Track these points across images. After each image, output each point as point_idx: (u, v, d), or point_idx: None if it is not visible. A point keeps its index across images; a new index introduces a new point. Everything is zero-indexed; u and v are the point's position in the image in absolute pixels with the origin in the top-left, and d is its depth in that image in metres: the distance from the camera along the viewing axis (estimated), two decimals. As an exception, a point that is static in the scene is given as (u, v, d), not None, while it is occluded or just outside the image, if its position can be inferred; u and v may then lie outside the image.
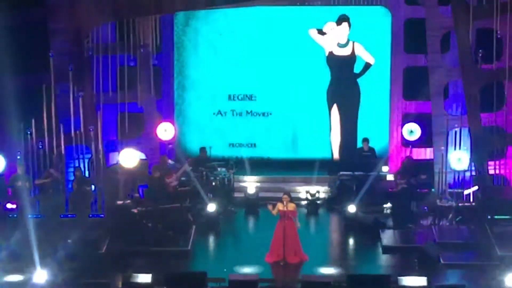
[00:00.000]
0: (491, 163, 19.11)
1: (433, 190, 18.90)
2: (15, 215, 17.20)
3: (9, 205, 17.15)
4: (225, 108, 22.37)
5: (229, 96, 22.34)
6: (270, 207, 16.38)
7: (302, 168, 21.44)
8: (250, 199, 19.84)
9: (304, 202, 19.98)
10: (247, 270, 15.57)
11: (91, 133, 18.77)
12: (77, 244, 16.23)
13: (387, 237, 17.54)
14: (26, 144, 18.33)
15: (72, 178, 18.71)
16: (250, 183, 20.49)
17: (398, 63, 21.51)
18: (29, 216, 16.99)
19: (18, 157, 18.27)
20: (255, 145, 22.44)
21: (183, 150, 22.01)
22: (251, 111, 22.39)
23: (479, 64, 19.08)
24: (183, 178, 19.47)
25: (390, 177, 19.85)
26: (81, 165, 18.79)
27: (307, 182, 20.41)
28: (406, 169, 18.98)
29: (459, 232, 17.49)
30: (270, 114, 22.38)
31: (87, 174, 18.84)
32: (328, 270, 15.73)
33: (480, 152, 18.82)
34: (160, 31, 21.17)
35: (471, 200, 18.78)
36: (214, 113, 22.34)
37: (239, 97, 22.35)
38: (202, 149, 20.67)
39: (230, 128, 22.40)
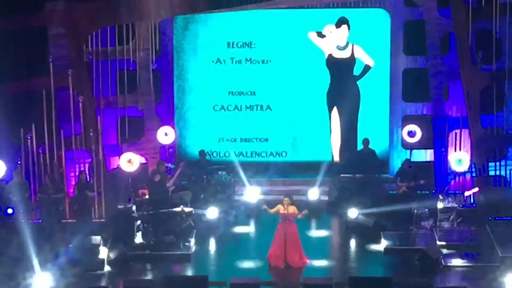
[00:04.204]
0: (491, 164, 19.12)
1: (433, 192, 18.93)
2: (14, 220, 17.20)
3: (9, 210, 17.14)
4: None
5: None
6: (264, 207, 16.50)
7: (303, 170, 21.44)
8: (251, 203, 19.82)
9: (304, 205, 19.97)
10: (248, 273, 15.57)
11: (92, 138, 18.79)
12: (78, 248, 16.23)
13: (388, 239, 17.53)
14: (26, 149, 18.35)
15: (73, 182, 18.75)
16: (251, 187, 20.43)
17: (397, 65, 21.50)
18: (29, 221, 17.01)
19: (19, 162, 18.31)
20: (254, 93, 22.37)
21: (184, 154, 22.02)
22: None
23: (478, 66, 19.10)
24: (183, 182, 19.48)
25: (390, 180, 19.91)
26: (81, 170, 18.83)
27: (308, 184, 20.38)
28: (405, 171, 18.99)
29: (460, 233, 17.47)
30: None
31: (88, 179, 18.84)
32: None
33: (481, 154, 18.82)
34: (159, 35, 21.18)
35: (472, 201, 18.78)
36: (213, 61, 22.26)
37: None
38: (202, 153, 20.66)
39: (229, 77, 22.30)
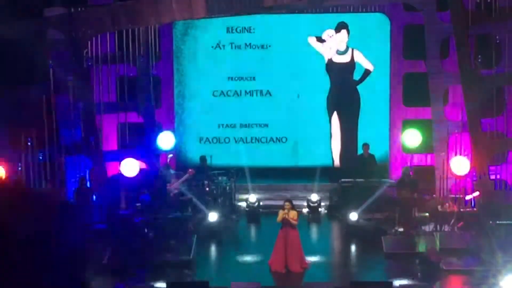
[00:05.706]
0: (492, 168, 19.10)
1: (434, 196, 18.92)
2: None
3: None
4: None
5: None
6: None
7: (303, 175, 21.42)
8: (252, 208, 19.82)
9: (305, 210, 19.97)
10: (249, 278, 15.55)
11: (92, 143, 18.79)
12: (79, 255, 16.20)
13: (389, 243, 17.50)
14: (27, 155, 18.33)
15: (74, 188, 18.76)
16: (252, 192, 20.44)
17: (397, 69, 21.51)
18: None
19: (19, 168, 18.29)
20: (254, 78, 22.33)
21: (184, 160, 22.02)
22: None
23: (478, 70, 19.09)
24: (184, 187, 19.48)
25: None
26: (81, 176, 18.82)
27: (308, 189, 20.38)
28: (406, 181, 18.96)
29: (461, 237, 17.44)
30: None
31: (88, 185, 18.84)
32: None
33: (481, 158, 18.80)
34: (159, 40, 21.19)
35: (473, 205, 18.76)
36: (212, 46, 22.22)
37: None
38: (202, 158, 20.65)
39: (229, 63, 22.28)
